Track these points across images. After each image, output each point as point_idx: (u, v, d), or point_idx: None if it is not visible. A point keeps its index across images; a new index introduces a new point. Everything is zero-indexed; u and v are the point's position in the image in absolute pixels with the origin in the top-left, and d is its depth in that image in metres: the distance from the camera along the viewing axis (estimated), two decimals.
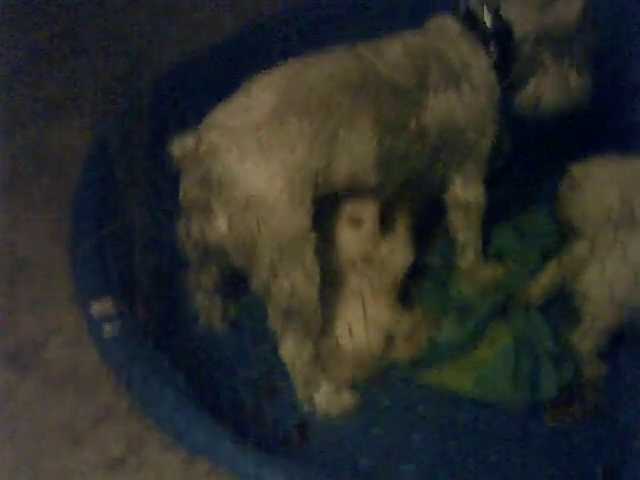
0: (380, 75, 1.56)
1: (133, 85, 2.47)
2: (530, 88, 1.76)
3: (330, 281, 1.61)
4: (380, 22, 2.27)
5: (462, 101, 1.67)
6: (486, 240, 1.89)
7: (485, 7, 1.68)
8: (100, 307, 1.50)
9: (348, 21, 2.26)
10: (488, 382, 1.67)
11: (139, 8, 2.95)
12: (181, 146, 1.46)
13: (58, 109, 2.49)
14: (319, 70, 1.52)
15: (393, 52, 1.61)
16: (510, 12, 1.68)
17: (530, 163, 2.08)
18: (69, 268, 1.76)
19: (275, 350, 1.60)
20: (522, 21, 1.68)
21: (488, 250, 1.90)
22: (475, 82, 1.69)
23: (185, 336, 1.69)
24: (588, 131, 2.09)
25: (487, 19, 1.69)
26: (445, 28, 1.68)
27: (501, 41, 1.68)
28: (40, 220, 2.14)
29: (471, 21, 1.69)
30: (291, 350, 1.58)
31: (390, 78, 1.57)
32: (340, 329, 1.63)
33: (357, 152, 1.54)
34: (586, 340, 1.67)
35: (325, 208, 1.59)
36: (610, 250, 1.66)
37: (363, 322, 1.62)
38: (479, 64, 1.69)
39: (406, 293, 1.77)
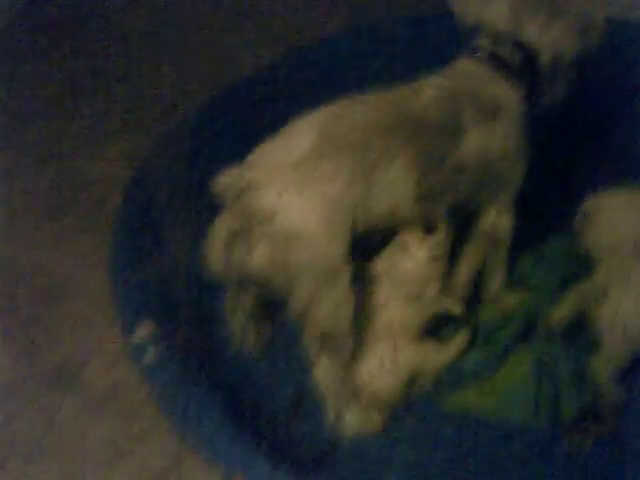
0: (415, 117, 1.63)
1: (166, 115, 2.59)
2: (547, 97, 1.81)
3: (365, 313, 1.70)
4: (397, 48, 2.34)
5: (497, 136, 1.73)
6: (508, 268, 1.95)
7: (506, 42, 1.74)
8: (142, 332, 1.57)
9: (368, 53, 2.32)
10: (510, 405, 1.74)
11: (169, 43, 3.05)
12: (224, 181, 1.53)
13: (94, 139, 2.62)
14: (357, 112, 1.60)
15: (427, 95, 1.67)
16: (534, 41, 1.73)
17: (550, 190, 2.13)
18: (108, 291, 1.81)
19: (306, 372, 1.68)
20: (547, 47, 1.74)
21: (510, 277, 1.95)
22: (508, 116, 1.74)
23: (221, 358, 1.76)
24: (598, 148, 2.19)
25: (510, 52, 1.74)
26: (471, 68, 1.74)
27: (526, 69, 1.75)
28: (79, 245, 2.27)
29: (494, 57, 1.74)
30: (324, 372, 1.65)
31: (425, 119, 1.63)
32: (370, 364, 1.70)
33: (395, 189, 1.60)
34: (604, 366, 1.72)
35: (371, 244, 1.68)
36: (626, 282, 1.73)
37: (393, 358, 1.70)
38: (510, 98, 1.75)
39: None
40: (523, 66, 1.74)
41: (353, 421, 1.67)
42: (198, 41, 3.02)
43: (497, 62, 1.75)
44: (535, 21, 1.73)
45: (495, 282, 1.92)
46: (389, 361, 1.69)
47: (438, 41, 2.24)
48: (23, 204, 2.42)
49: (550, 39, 1.74)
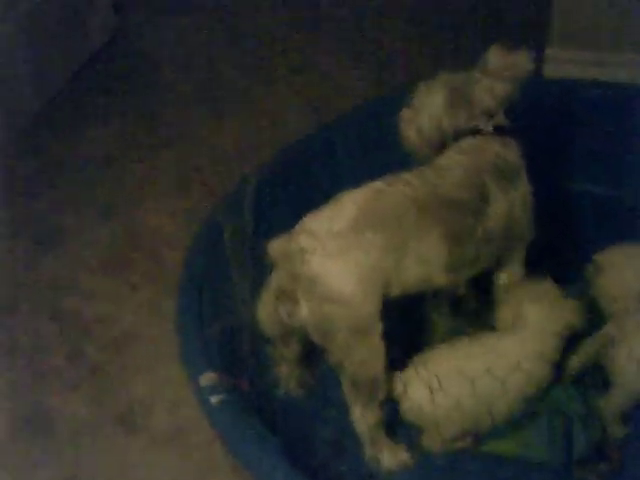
0: (446, 195, 1.83)
1: (215, 175, 2.80)
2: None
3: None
4: None
5: (518, 197, 1.94)
6: None
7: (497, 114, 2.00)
8: (206, 380, 1.74)
9: None
10: (527, 444, 1.90)
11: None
12: (276, 245, 1.74)
13: (149, 196, 2.81)
14: (395, 190, 1.80)
15: (455, 174, 1.87)
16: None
17: (561, 242, 2.30)
18: (169, 340, 1.99)
19: (345, 413, 1.84)
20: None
21: None
22: (522, 175, 1.96)
23: (275, 402, 1.95)
24: None
25: (504, 120, 2.00)
26: (482, 143, 1.96)
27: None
28: (138, 297, 2.44)
29: (498, 128, 1.98)
30: (359, 415, 1.81)
31: (454, 197, 1.84)
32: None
33: (426, 260, 1.79)
34: (613, 407, 1.88)
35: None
36: (636, 330, 1.90)
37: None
38: (519, 159, 1.97)
39: None
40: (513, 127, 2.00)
41: (388, 461, 1.84)
42: (248, 103, 3.24)
43: (501, 131, 1.98)
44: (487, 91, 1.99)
45: None
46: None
47: None
48: (84, 260, 2.59)
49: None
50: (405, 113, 2.06)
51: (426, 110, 2.02)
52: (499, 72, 1.99)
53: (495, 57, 2.01)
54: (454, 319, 2.19)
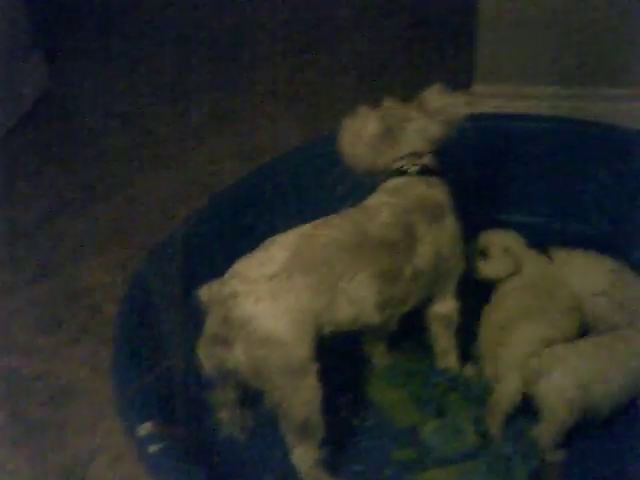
0: (374, 236, 1.87)
1: (152, 227, 2.82)
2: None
3: None
4: None
5: (445, 234, 1.98)
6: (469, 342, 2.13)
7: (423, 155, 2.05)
8: (144, 430, 1.74)
9: None
10: (466, 473, 1.93)
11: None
12: (208, 291, 1.77)
13: (85, 252, 2.81)
14: (324, 233, 1.84)
15: (383, 215, 1.92)
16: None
17: None
18: (109, 394, 1.95)
19: (286, 454, 1.85)
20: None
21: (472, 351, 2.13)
22: (449, 213, 2.00)
23: (215, 446, 1.95)
24: None
25: (432, 161, 2.05)
26: (409, 183, 2.01)
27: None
28: (77, 352, 2.43)
29: (425, 169, 2.03)
30: (299, 456, 1.83)
31: (382, 237, 1.88)
32: None
33: (357, 300, 1.84)
34: (546, 435, 1.92)
35: None
36: (561, 362, 1.95)
37: None
38: (446, 197, 2.02)
39: None
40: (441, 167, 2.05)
41: None
42: (181, 154, 3.29)
43: (427, 172, 2.03)
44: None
45: (449, 359, 2.13)
46: None
47: None
48: (22, 317, 2.59)
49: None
50: (347, 125, 2.09)
51: (359, 138, 2.06)
52: (435, 113, 2.05)
53: (434, 97, 2.07)
54: (391, 355, 2.21)
